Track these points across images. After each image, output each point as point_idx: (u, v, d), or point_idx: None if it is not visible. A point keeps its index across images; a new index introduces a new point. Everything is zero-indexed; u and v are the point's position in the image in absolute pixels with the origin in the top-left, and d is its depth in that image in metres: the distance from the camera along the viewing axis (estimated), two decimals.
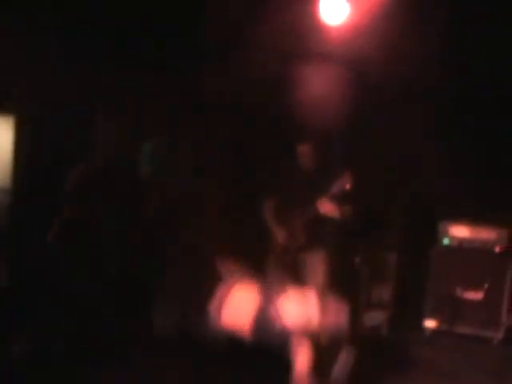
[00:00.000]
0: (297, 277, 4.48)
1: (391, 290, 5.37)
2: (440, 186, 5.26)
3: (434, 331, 5.22)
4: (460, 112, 5.16)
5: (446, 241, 5.29)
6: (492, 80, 4.95)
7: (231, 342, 3.72)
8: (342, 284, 4.81)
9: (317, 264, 4.51)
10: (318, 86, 5.05)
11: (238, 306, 3.79)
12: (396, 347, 5.07)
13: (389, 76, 4.95)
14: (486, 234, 5.15)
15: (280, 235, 4.48)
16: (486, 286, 5.06)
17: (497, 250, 5.11)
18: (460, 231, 5.27)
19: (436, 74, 4.91)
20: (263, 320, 3.71)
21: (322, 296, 4.46)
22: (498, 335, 5.09)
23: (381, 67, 4.85)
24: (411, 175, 5.37)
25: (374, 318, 5.34)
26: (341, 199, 4.31)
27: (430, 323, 5.23)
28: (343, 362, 3.91)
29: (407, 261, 5.36)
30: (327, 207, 4.30)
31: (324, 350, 3.77)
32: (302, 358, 3.62)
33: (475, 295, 5.13)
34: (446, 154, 5.10)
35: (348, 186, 4.27)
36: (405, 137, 5.03)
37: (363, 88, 5.06)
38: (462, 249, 5.25)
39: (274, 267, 4.56)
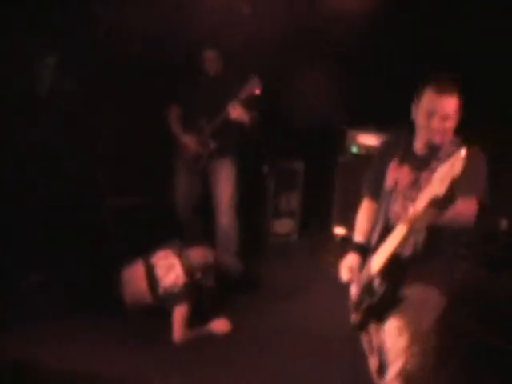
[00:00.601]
0: (207, 184, 4.54)
1: (299, 199, 5.40)
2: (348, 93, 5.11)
3: (343, 238, 5.29)
4: None
5: (353, 149, 5.21)
6: None
7: None
8: (249, 193, 4.87)
9: (227, 172, 4.51)
10: None
11: None
12: (304, 252, 5.22)
13: None
14: None
15: (188, 143, 4.41)
16: None
17: None
18: (368, 139, 5.16)
19: None
20: None
21: (230, 206, 4.53)
22: None
23: None
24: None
25: (284, 225, 5.41)
26: (249, 104, 4.21)
27: (338, 230, 5.29)
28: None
29: (315, 169, 5.33)
30: (237, 111, 4.20)
31: None
32: None
33: None
34: None
35: (257, 91, 4.17)
36: None
37: None
38: (369, 157, 5.15)
39: (183, 175, 4.56)
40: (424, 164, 2.58)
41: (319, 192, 5.38)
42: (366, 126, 5.14)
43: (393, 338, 2.50)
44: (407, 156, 2.70)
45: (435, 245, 2.54)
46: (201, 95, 4.37)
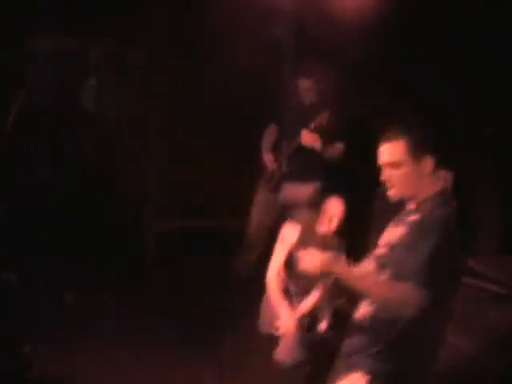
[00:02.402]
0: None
1: None
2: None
3: None
4: None
5: None
6: None
7: None
8: None
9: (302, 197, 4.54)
10: None
11: None
12: None
13: None
14: None
15: (266, 160, 4.71)
16: None
17: None
18: None
19: None
20: None
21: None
22: None
23: None
24: None
25: None
26: (324, 134, 4.46)
27: None
28: None
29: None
30: (307, 137, 4.44)
31: None
32: None
33: None
34: None
35: (324, 122, 4.43)
36: None
37: None
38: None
39: (261, 193, 4.82)
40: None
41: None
42: None
43: None
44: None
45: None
46: (292, 121, 4.62)
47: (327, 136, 4.49)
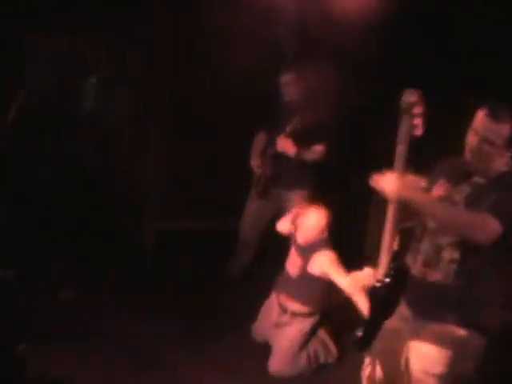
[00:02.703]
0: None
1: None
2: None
3: None
4: None
5: None
6: None
7: None
8: None
9: (292, 202, 4.55)
10: None
11: None
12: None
13: None
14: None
15: (253, 164, 4.67)
16: None
17: None
18: None
19: None
20: None
21: None
22: None
23: None
24: None
25: None
26: (301, 137, 4.34)
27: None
28: None
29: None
30: (281, 144, 4.36)
31: None
32: None
33: None
34: None
35: (299, 126, 4.33)
36: None
37: None
38: None
39: (252, 198, 4.80)
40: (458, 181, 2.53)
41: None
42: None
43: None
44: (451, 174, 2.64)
45: (473, 269, 2.42)
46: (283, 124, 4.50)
47: (306, 138, 4.37)
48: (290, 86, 4.44)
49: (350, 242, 5.30)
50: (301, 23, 5.26)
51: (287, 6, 5.12)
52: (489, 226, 2.30)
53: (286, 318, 3.87)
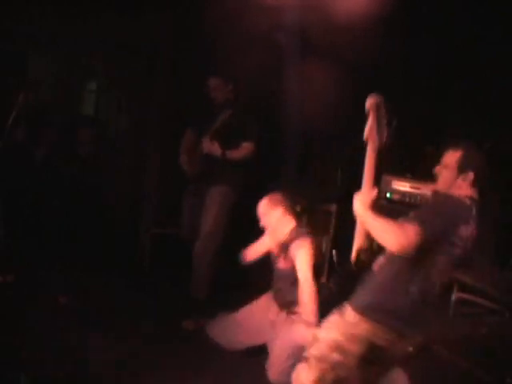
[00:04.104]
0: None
1: (330, 241, 5.38)
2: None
3: None
4: None
5: (387, 194, 5.20)
6: None
7: None
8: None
9: (213, 199, 4.63)
10: None
11: None
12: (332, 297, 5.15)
13: None
14: (425, 190, 5.02)
15: (180, 162, 4.69)
16: None
17: None
18: (402, 185, 5.15)
19: None
20: None
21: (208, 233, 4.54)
22: None
23: None
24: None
25: None
26: (227, 136, 4.43)
27: None
28: None
29: (348, 212, 5.30)
30: (205, 144, 4.43)
31: None
32: None
33: None
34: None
35: (221, 126, 4.43)
36: None
37: None
38: (403, 202, 5.16)
39: (188, 197, 4.80)
40: None
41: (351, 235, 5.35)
42: (401, 172, 5.15)
43: None
44: None
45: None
46: (205, 122, 4.59)
47: (232, 137, 4.45)
48: (216, 89, 4.56)
49: None
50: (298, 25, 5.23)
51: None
52: (404, 234, 2.56)
53: (283, 316, 3.84)
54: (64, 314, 4.06)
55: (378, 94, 2.82)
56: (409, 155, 5.08)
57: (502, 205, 3.95)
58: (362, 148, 2.97)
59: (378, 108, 2.80)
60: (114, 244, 5.03)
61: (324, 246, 5.39)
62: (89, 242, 4.86)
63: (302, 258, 3.75)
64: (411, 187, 5.07)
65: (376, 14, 4.61)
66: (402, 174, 5.13)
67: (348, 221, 5.29)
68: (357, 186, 5.30)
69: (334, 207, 5.37)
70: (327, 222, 5.37)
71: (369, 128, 2.84)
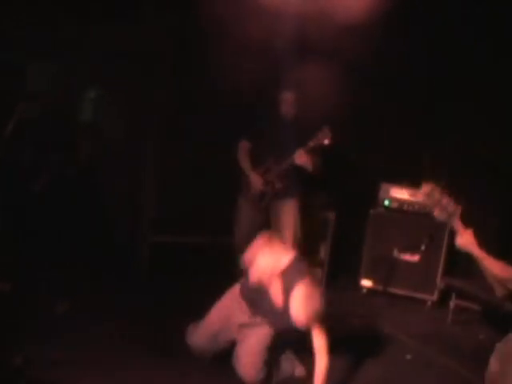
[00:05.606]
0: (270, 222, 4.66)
1: (329, 249, 5.40)
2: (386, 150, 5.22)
3: (370, 291, 5.25)
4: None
5: (386, 202, 5.23)
6: None
7: None
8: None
9: (290, 212, 4.65)
10: None
11: None
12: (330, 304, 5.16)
13: None
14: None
15: (256, 180, 4.55)
16: (423, 248, 5.01)
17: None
18: (401, 193, 5.19)
19: None
20: None
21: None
22: (433, 297, 5.10)
23: None
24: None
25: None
26: (315, 152, 4.39)
27: (365, 282, 5.26)
28: None
29: (346, 220, 5.33)
30: (303, 159, 4.35)
31: None
32: None
33: (412, 257, 5.12)
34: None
35: (326, 142, 4.32)
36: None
37: None
38: (401, 211, 5.19)
39: (246, 211, 4.69)
40: None
41: (349, 242, 5.38)
42: (400, 180, 5.18)
43: None
44: None
45: None
46: (273, 136, 4.49)
47: (318, 154, 4.44)
48: (291, 103, 4.51)
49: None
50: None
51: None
52: None
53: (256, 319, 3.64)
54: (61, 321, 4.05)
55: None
56: (407, 163, 5.09)
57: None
58: None
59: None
60: (113, 252, 5.02)
61: (322, 253, 5.41)
62: (87, 248, 4.86)
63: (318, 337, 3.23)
64: (409, 195, 5.12)
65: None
66: (400, 182, 5.17)
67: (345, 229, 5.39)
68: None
69: (332, 215, 5.38)
70: (325, 230, 5.39)
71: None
